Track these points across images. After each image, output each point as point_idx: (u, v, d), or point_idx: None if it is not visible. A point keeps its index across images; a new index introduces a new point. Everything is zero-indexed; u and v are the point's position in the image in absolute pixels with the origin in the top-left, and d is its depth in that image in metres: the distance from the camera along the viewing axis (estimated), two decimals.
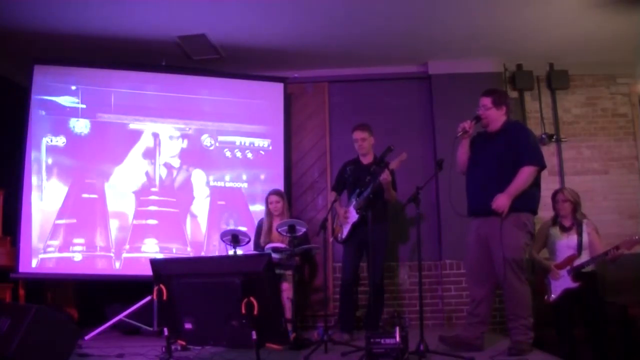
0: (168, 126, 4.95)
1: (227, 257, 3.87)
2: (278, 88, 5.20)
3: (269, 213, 4.49)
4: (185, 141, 4.97)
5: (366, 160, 4.30)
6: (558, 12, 4.37)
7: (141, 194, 4.80)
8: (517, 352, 3.17)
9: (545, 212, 4.24)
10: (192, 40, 4.81)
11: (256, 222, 4.69)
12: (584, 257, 3.90)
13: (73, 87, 4.79)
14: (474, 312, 3.46)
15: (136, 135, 4.88)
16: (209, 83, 5.12)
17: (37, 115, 4.68)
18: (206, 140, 5.02)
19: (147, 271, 3.28)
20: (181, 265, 3.45)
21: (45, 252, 4.53)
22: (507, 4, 4.27)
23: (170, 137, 4.95)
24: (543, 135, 5.45)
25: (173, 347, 3.25)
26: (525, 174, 3.29)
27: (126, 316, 4.41)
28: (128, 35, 4.72)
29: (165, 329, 3.15)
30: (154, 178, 4.86)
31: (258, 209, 4.89)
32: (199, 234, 4.88)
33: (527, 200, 3.34)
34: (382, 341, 2.96)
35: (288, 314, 3.89)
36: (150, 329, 4.38)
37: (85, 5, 4.21)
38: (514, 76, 5.51)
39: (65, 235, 4.59)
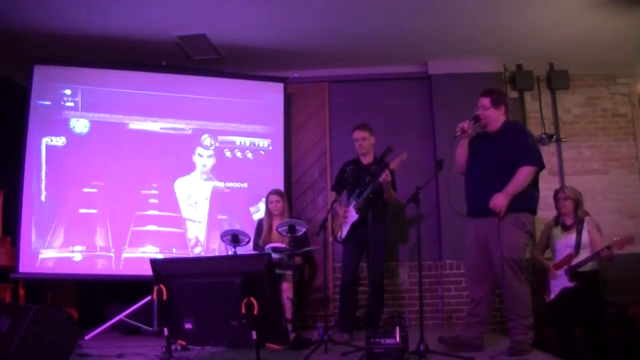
0: (168, 126, 4.94)
1: (227, 257, 3.88)
2: (278, 88, 5.21)
3: (269, 213, 4.50)
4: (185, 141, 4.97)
5: (366, 160, 4.30)
6: (558, 12, 4.37)
7: (141, 193, 4.79)
8: (517, 352, 3.17)
9: (545, 212, 4.25)
10: (192, 40, 4.81)
11: (256, 222, 4.69)
12: (583, 255, 3.89)
13: (73, 87, 4.79)
14: (474, 312, 3.46)
15: (136, 135, 4.88)
16: (209, 83, 5.11)
17: (37, 115, 4.68)
18: (206, 140, 5.02)
19: (147, 271, 3.28)
20: (181, 265, 3.46)
21: (45, 252, 4.53)
22: (507, 4, 4.27)
23: (171, 137, 4.94)
24: (543, 135, 5.45)
25: (173, 347, 3.25)
26: (524, 174, 3.29)
27: (126, 316, 4.41)
28: (128, 35, 4.72)
29: (165, 329, 3.15)
30: (154, 177, 4.85)
31: (258, 209, 4.90)
32: (199, 234, 4.88)
33: (526, 200, 3.33)
34: (382, 341, 2.96)
35: (288, 314, 3.89)
36: (150, 329, 4.38)
37: (85, 5, 4.21)
38: (514, 76, 5.51)
39: (65, 235, 4.58)
